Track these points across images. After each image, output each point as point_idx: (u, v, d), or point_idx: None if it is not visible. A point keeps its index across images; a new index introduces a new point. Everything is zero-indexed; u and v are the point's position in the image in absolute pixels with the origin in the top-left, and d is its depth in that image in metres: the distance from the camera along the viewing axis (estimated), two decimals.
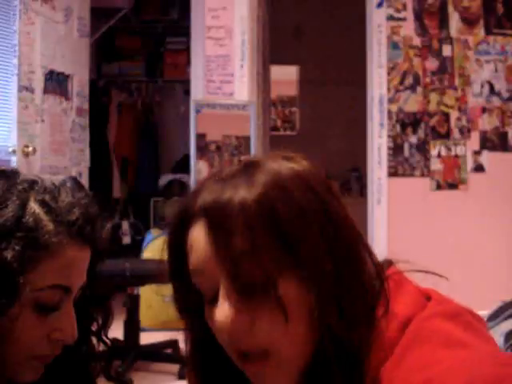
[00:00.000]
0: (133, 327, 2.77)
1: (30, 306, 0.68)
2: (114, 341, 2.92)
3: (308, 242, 0.61)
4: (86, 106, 4.08)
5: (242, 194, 0.62)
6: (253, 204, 0.61)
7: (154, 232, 4.01)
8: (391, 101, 3.54)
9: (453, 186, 3.53)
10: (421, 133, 3.55)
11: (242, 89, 3.63)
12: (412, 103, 3.55)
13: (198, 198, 0.65)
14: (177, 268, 0.68)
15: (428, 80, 3.55)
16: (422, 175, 3.54)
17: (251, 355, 0.63)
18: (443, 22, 3.56)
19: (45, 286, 0.69)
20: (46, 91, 3.60)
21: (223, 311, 0.61)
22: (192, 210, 0.65)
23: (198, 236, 0.63)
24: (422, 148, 3.54)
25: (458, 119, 3.55)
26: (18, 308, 0.67)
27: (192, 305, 0.67)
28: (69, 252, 0.70)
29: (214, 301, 0.63)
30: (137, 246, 4.29)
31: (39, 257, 0.67)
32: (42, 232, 0.68)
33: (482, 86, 3.54)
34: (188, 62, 4.54)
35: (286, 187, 0.63)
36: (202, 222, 0.63)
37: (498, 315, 2.32)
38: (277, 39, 4.85)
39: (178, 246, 0.67)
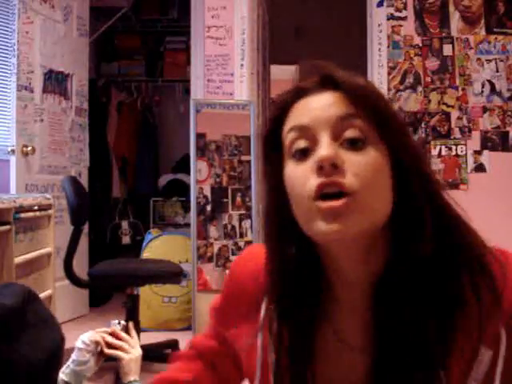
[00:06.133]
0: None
1: None
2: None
3: (395, 124, 0.77)
4: (86, 105, 4.07)
5: (362, 80, 0.79)
6: (373, 86, 0.79)
7: (153, 232, 4.00)
8: (392, 100, 3.53)
9: (453, 185, 3.52)
10: (421, 132, 3.54)
11: (242, 88, 3.62)
12: (412, 103, 3.55)
13: (309, 81, 0.79)
14: (274, 132, 0.81)
15: (428, 79, 3.55)
16: None
17: (330, 195, 0.72)
18: (444, 21, 3.56)
19: None
20: (45, 91, 3.59)
21: (325, 149, 0.73)
22: (305, 86, 0.79)
23: (320, 97, 0.77)
24: (423, 148, 3.54)
25: (459, 119, 3.54)
26: None
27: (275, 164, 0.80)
28: None
29: (303, 156, 0.76)
30: (136, 246, 4.29)
31: None
32: None
33: (483, 86, 3.53)
34: (188, 62, 4.53)
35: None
36: (328, 91, 0.77)
37: None
38: (277, 39, 4.84)
39: (279, 116, 0.80)
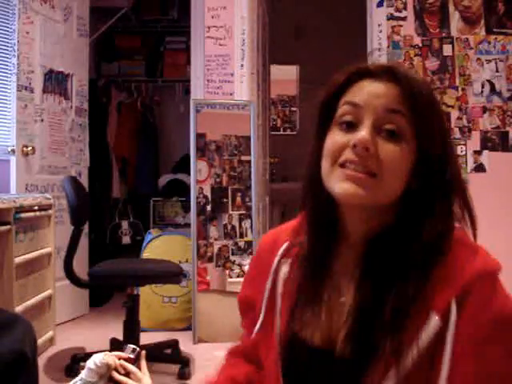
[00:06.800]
0: (133, 327, 2.76)
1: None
2: (114, 341, 2.92)
3: (435, 124, 0.89)
4: (86, 105, 4.07)
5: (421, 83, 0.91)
6: (427, 85, 0.92)
7: (153, 232, 4.00)
8: None
9: None
10: None
11: (242, 88, 3.62)
12: None
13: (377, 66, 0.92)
14: (330, 100, 0.94)
15: (428, 79, 3.54)
16: None
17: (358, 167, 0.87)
18: (444, 22, 3.56)
19: None
20: (45, 91, 3.59)
21: (364, 133, 0.87)
22: (371, 69, 0.91)
23: (378, 85, 0.89)
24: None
25: (459, 119, 3.54)
26: None
27: (323, 128, 0.95)
28: None
29: (348, 128, 0.90)
30: (136, 246, 4.29)
31: None
32: None
33: (483, 86, 3.53)
34: (188, 62, 4.54)
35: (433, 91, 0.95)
36: (388, 82, 0.89)
37: None
38: (277, 39, 4.84)
39: (341, 87, 0.93)
